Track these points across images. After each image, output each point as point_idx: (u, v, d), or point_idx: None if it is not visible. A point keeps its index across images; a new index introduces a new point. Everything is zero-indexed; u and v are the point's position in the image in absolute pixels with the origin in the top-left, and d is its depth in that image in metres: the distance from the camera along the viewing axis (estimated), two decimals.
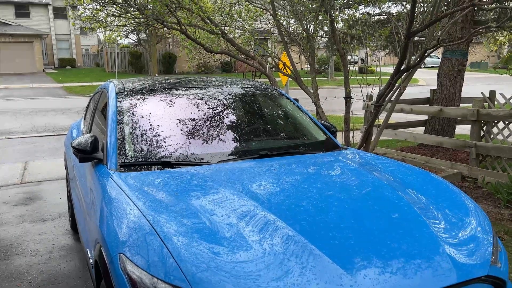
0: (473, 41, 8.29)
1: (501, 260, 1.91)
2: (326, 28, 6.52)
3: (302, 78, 5.36)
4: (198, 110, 2.91)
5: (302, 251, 1.61)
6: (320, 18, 5.59)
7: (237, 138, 2.82)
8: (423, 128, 7.69)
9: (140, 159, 2.47)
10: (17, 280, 3.26)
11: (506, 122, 5.47)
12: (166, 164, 2.42)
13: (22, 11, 34.52)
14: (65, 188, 5.08)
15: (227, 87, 3.32)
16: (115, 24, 6.16)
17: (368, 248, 1.67)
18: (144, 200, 1.96)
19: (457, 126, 7.52)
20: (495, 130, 5.70)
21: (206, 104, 3.00)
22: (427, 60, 37.27)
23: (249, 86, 3.43)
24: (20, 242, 3.94)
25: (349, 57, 5.27)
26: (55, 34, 35.99)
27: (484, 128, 5.67)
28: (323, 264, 1.56)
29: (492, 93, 6.44)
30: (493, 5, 3.84)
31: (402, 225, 1.87)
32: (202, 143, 2.66)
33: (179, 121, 2.78)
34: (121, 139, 2.57)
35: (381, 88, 4.31)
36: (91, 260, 2.24)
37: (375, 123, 4.56)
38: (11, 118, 12.10)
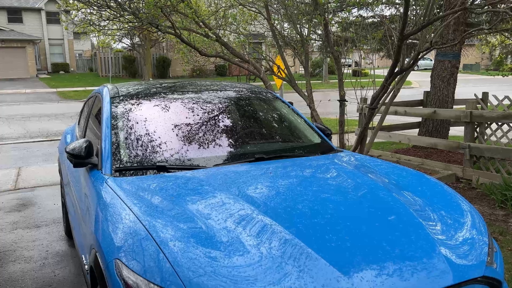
0: (465, 43, 8.38)
1: (496, 261, 1.92)
2: (320, 31, 6.55)
3: (296, 81, 5.38)
4: (193, 114, 2.91)
5: (299, 255, 1.61)
6: (314, 21, 5.62)
7: (233, 141, 2.82)
8: (417, 130, 7.73)
9: (135, 164, 2.46)
10: (11, 287, 3.22)
11: (499, 123, 5.52)
12: (161, 168, 2.41)
13: (15, 16, 34.37)
14: (59, 194, 5.04)
15: (222, 90, 3.32)
16: (109, 28, 6.15)
17: (365, 250, 1.68)
18: (139, 205, 1.95)
19: (451, 128, 7.57)
20: (488, 131, 5.75)
21: (201, 108, 3.00)
22: (420, 62, 37.58)
23: (244, 90, 3.43)
24: (14, 249, 3.90)
25: (343, 60, 5.29)
26: (48, 39, 35.85)
27: (478, 129, 5.72)
28: (320, 267, 1.56)
29: (485, 94, 6.48)
30: (485, 8, 3.88)
31: (398, 227, 1.88)
32: (198, 147, 2.65)
33: (174, 125, 2.77)
34: (116, 144, 2.55)
35: (375, 91, 4.33)
36: (86, 266, 2.22)
37: (370, 126, 4.58)
38: (4, 123, 12.01)
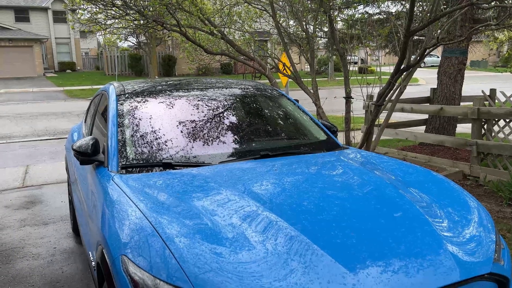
0: (472, 39, 8.30)
1: (504, 258, 1.91)
2: (325, 29, 6.53)
3: (302, 79, 5.36)
4: (199, 112, 2.91)
5: (304, 251, 1.61)
6: (320, 18, 5.60)
7: (238, 138, 2.82)
8: (423, 127, 7.69)
9: (141, 161, 2.47)
10: (19, 284, 3.26)
11: (507, 120, 5.47)
12: (167, 165, 2.42)
13: (22, 15, 34.61)
14: (67, 191, 5.08)
15: (227, 88, 3.33)
16: (114, 26, 6.17)
17: (371, 247, 1.67)
18: (145, 202, 1.96)
19: (458, 125, 7.51)
20: (496, 128, 5.70)
21: (206, 105, 3.00)
22: (427, 59, 37.30)
23: (249, 87, 3.43)
24: (22, 246, 3.94)
25: (348, 57, 5.27)
26: (55, 38, 36.06)
27: (485, 126, 5.67)
28: (326, 264, 1.55)
29: (493, 91, 6.43)
30: (492, 3, 3.84)
31: (404, 224, 1.87)
32: (203, 144, 2.66)
33: (180, 123, 2.78)
34: (122, 141, 2.57)
35: (381, 88, 4.31)
36: (93, 263, 2.24)
37: (376, 123, 4.56)
38: (12, 122, 12.11)
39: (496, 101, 5.72)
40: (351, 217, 1.87)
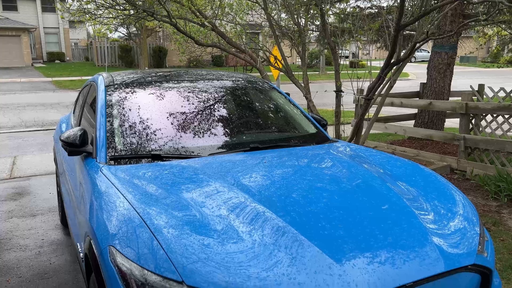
0: (462, 35, 8.37)
1: (487, 250, 1.95)
2: (317, 22, 6.53)
3: (293, 72, 5.36)
4: (189, 103, 2.90)
5: (292, 242, 1.62)
6: (312, 11, 5.59)
7: (228, 131, 2.82)
8: (413, 122, 7.76)
9: (130, 152, 2.46)
10: (6, 275, 3.23)
11: (494, 115, 5.54)
12: (156, 157, 2.41)
13: (10, 4, 33.92)
14: (55, 183, 5.04)
15: (218, 80, 3.31)
16: (104, 17, 6.09)
17: (357, 238, 1.69)
18: (134, 193, 1.95)
19: (446, 120, 7.59)
20: (483, 123, 5.77)
21: (196, 97, 2.99)
22: (417, 54, 37.51)
23: (240, 79, 3.42)
24: (10, 237, 3.90)
25: (340, 51, 5.28)
26: (44, 27, 35.45)
27: (473, 121, 5.74)
28: (313, 254, 1.57)
29: (481, 86, 6.51)
30: None
31: (391, 216, 1.89)
32: (193, 136, 2.65)
33: (169, 114, 2.77)
34: (111, 132, 2.55)
35: (371, 82, 4.33)
36: (81, 254, 2.23)
37: (366, 117, 4.59)
38: None
39: (484, 96, 5.78)
40: (339, 209, 1.89)
